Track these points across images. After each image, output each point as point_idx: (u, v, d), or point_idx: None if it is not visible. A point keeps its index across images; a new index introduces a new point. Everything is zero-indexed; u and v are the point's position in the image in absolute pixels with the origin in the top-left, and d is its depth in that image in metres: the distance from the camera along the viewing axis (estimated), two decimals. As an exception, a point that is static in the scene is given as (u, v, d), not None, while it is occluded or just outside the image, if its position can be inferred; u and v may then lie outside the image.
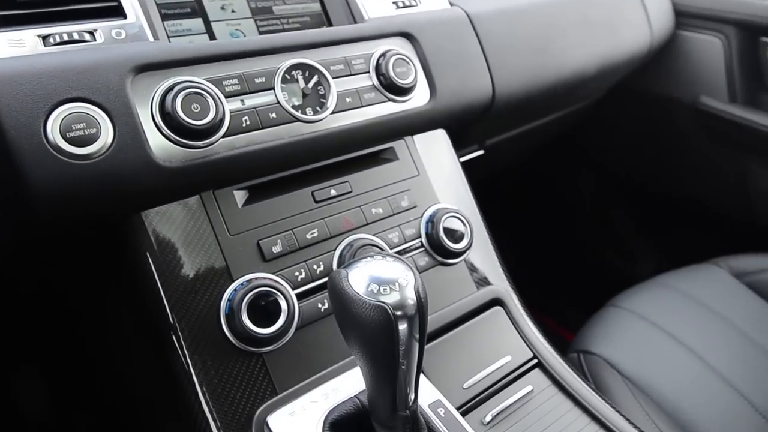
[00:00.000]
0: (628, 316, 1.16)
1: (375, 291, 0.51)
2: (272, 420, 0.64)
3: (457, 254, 0.84)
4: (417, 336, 0.52)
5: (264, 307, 0.67)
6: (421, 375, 0.72)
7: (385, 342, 0.51)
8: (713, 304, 1.21)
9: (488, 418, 0.74)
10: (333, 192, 0.78)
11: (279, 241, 0.72)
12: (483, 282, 0.86)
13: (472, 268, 0.86)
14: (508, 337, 0.83)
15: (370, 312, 0.50)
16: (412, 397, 0.57)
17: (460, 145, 1.00)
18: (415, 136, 0.89)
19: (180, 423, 0.69)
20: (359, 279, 0.52)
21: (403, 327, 0.51)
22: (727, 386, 1.05)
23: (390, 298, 0.50)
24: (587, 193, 1.94)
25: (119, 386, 1.04)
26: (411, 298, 0.51)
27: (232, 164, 0.69)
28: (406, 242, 0.82)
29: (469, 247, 0.85)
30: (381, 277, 0.51)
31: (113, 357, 1.01)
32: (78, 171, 0.60)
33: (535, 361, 0.82)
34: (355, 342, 0.54)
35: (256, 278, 0.68)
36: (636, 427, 0.76)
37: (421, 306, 0.52)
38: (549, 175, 2.00)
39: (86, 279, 0.90)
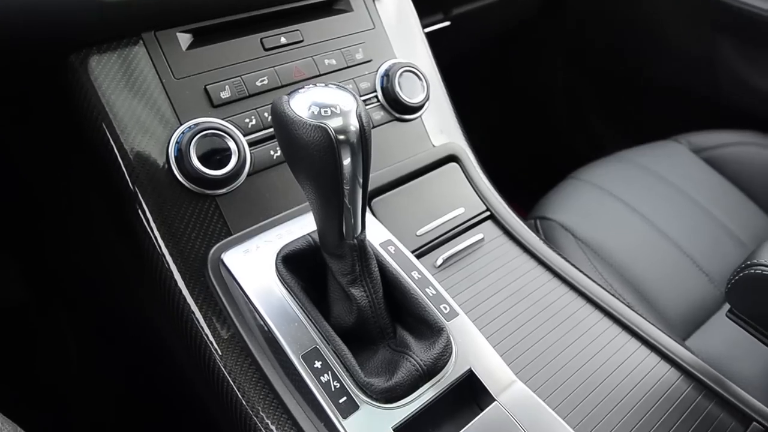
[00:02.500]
0: (587, 186, 1.19)
1: (316, 113, 0.50)
2: (227, 257, 0.66)
3: (413, 109, 0.83)
4: (361, 162, 0.53)
5: (214, 151, 0.67)
6: (375, 221, 0.74)
7: (328, 165, 0.52)
8: (670, 176, 1.24)
9: (439, 261, 0.77)
10: (283, 40, 0.76)
11: (227, 87, 0.71)
12: (440, 139, 0.86)
13: (429, 125, 0.86)
14: (462, 191, 0.85)
15: (311, 133, 0.50)
16: (359, 227, 0.59)
17: (424, 11, 0.97)
18: (371, -11, 0.86)
19: (144, 276, 0.70)
20: (301, 103, 0.51)
21: (345, 150, 0.51)
22: (676, 249, 1.10)
23: (331, 121, 0.50)
24: (556, 80, 1.92)
25: (93, 259, 1.05)
26: (353, 124, 0.51)
27: (174, 0, 0.66)
28: (360, 96, 0.81)
29: (426, 101, 0.84)
30: (322, 102, 0.51)
31: (84, 231, 1.01)
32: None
33: (488, 213, 0.85)
34: (300, 170, 0.54)
35: (204, 122, 0.68)
36: (581, 271, 0.80)
37: (363, 131, 0.52)
38: (516, 63, 1.97)
39: (47, 154, 0.88)
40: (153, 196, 0.66)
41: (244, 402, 0.61)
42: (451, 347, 0.62)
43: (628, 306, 0.77)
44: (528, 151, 2.04)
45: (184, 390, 0.74)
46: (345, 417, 0.56)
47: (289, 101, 0.52)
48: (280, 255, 0.65)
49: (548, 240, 1.06)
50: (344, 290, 0.60)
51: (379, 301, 0.62)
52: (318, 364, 0.58)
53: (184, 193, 0.68)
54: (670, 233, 1.12)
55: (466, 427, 0.58)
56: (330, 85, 0.54)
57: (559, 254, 0.83)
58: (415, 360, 0.59)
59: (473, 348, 0.63)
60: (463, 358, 0.62)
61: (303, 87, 0.53)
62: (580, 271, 0.81)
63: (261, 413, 0.60)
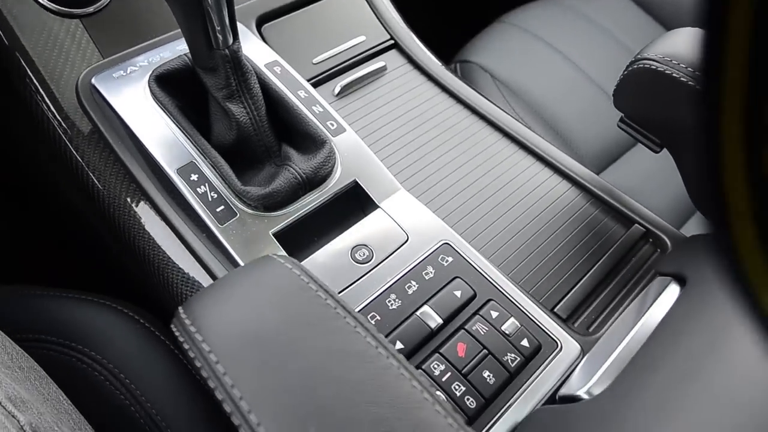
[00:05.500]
0: (514, 30, 1.15)
1: None
2: (97, 81, 0.62)
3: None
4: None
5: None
6: (260, 42, 0.70)
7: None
8: (599, 18, 1.21)
9: (337, 89, 0.74)
10: None
11: None
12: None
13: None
14: (364, 17, 0.81)
15: None
16: (229, 36, 0.55)
17: None
18: None
19: (20, 115, 0.66)
20: None
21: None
22: (598, 89, 1.09)
23: None
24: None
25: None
26: None
27: None
28: None
29: None
30: None
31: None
32: None
33: (392, 42, 0.81)
34: None
35: None
36: (492, 102, 0.79)
37: None
38: None
39: None
40: (23, 28, 0.61)
41: (131, 222, 0.60)
42: (335, 159, 0.61)
43: (534, 132, 0.76)
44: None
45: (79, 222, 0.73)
46: (222, 224, 0.56)
47: None
48: (153, 75, 0.61)
49: (466, 81, 1.03)
50: (222, 107, 0.58)
51: (261, 118, 0.60)
52: (194, 177, 0.57)
53: (45, 14, 0.62)
54: (592, 75, 1.11)
55: (348, 230, 0.59)
56: None
57: (469, 85, 0.81)
58: (294, 169, 0.58)
59: (360, 161, 0.63)
60: (348, 170, 0.62)
61: None
62: (491, 102, 0.80)
63: (149, 232, 0.60)
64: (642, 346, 0.47)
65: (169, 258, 0.59)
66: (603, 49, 1.16)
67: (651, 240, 0.66)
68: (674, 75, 0.54)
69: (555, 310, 0.58)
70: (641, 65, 0.57)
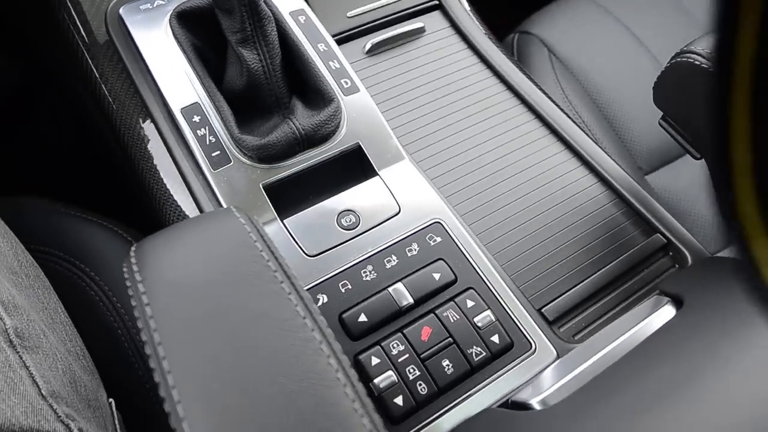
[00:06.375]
0: (586, 3, 1.06)
1: None
2: (124, 11, 0.63)
3: None
4: None
5: None
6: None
7: None
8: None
9: (368, 46, 0.71)
10: None
11: None
12: None
13: None
14: (409, -27, 0.76)
15: None
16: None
17: None
18: None
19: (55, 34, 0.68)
20: None
21: None
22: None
23: None
24: None
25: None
26: None
27: None
28: None
29: None
30: None
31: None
32: None
33: (437, 2, 0.77)
34: None
35: None
36: (532, 80, 0.73)
37: None
38: None
39: None
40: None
41: (136, 152, 0.61)
42: (340, 118, 0.59)
43: (575, 123, 0.70)
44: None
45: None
46: (215, 169, 0.56)
47: None
48: (175, 11, 0.61)
49: (518, 53, 0.97)
50: (235, 51, 0.57)
51: (274, 67, 0.58)
52: (197, 119, 0.57)
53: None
54: (664, 62, 1.01)
55: (340, 194, 0.57)
56: None
57: (511, 59, 0.75)
58: (294, 124, 0.57)
59: (368, 124, 0.61)
60: (353, 132, 0.60)
61: None
62: (532, 81, 0.74)
63: (156, 166, 0.60)
64: (615, 363, 0.43)
65: (167, 189, 0.59)
66: (683, 35, 1.05)
67: (671, 253, 0.60)
68: (719, 74, 0.48)
69: (542, 310, 0.54)
70: (683, 59, 0.51)
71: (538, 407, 0.42)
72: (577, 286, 0.57)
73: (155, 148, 0.60)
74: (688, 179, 0.94)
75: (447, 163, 0.64)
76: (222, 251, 0.38)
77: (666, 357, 0.41)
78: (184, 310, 0.35)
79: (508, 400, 0.46)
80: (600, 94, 0.94)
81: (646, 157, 0.93)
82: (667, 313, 0.47)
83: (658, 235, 0.61)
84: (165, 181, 0.59)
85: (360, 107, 0.61)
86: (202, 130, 0.57)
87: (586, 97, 0.94)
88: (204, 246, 0.39)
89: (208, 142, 0.56)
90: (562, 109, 0.70)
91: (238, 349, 0.33)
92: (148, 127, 0.61)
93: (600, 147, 0.68)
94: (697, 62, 0.50)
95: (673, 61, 0.52)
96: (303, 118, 0.57)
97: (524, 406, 0.43)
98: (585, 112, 0.91)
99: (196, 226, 0.40)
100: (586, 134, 0.69)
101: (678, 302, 0.47)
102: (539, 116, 0.70)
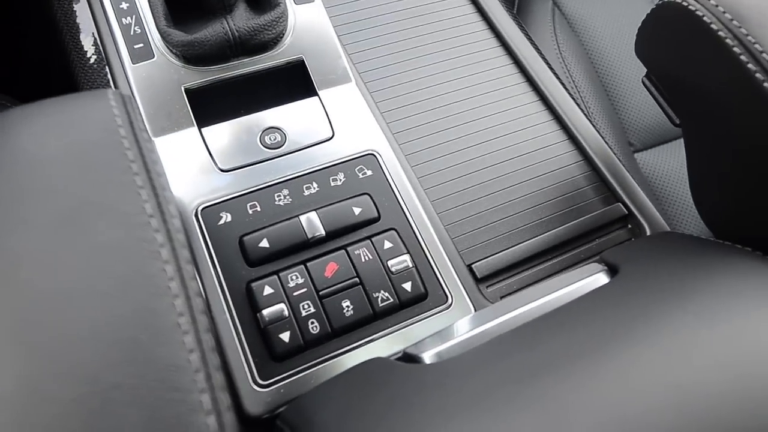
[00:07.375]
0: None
1: None
2: None
3: None
4: None
5: None
6: None
7: None
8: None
9: (341, -39, 0.64)
10: None
11: None
12: None
13: None
14: None
15: None
16: None
17: None
18: None
19: None
20: None
21: None
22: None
23: None
24: None
25: None
26: None
27: None
28: None
29: None
30: None
31: None
32: None
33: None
34: None
35: None
36: (525, 30, 0.66)
37: None
38: None
39: None
40: None
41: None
42: (284, 26, 0.53)
43: (557, 77, 0.63)
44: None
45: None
46: (135, 62, 0.50)
47: None
48: None
49: (522, 3, 0.89)
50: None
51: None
52: (125, 5, 0.52)
53: None
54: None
55: (271, 110, 0.52)
56: None
57: (505, 7, 0.68)
58: (228, 24, 0.51)
59: (317, 38, 0.55)
60: (298, 45, 0.54)
61: None
62: (523, 30, 0.66)
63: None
64: (524, 324, 0.38)
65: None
66: None
67: (629, 226, 0.54)
68: (705, 18, 0.41)
69: (472, 266, 0.49)
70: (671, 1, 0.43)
71: (427, 361, 0.38)
72: (518, 245, 0.51)
73: (86, 35, 0.55)
74: (680, 161, 0.87)
75: (403, 98, 0.58)
76: (78, 132, 0.33)
77: (580, 323, 0.35)
78: (29, 185, 0.31)
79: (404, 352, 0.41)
80: (601, 59, 0.87)
81: (639, 134, 0.86)
82: (598, 280, 0.41)
83: (620, 204, 0.55)
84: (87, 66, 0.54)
85: (311, 19, 0.55)
86: (129, 18, 0.51)
87: (584, 58, 0.86)
88: (65, 125, 0.34)
89: (132, 33, 0.51)
90: (564, 65, 0.63)
91: (60, 237, 0.29)
92: (80, 8, 0.55)
93: (582, 110, 0.61)
94: (683, 2, 0.43)
95: (660, 1, 0.45)
96: (240, 20, 0.51)
97: (414, 359, 0.38)
98: (579, 73, 0.83)
99: (72, 101, 0.35)
100: (567, 91, 0.62)
101: (614, 271, 0.42)
102: (518, 64, 0.63)
